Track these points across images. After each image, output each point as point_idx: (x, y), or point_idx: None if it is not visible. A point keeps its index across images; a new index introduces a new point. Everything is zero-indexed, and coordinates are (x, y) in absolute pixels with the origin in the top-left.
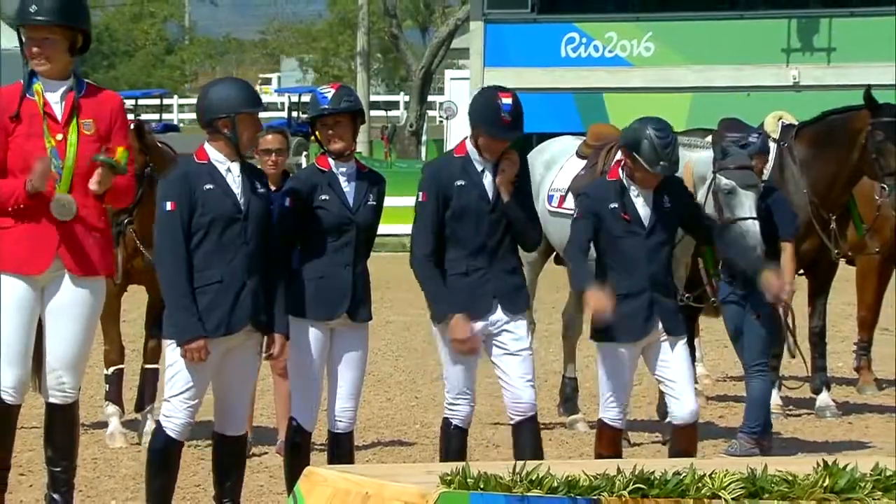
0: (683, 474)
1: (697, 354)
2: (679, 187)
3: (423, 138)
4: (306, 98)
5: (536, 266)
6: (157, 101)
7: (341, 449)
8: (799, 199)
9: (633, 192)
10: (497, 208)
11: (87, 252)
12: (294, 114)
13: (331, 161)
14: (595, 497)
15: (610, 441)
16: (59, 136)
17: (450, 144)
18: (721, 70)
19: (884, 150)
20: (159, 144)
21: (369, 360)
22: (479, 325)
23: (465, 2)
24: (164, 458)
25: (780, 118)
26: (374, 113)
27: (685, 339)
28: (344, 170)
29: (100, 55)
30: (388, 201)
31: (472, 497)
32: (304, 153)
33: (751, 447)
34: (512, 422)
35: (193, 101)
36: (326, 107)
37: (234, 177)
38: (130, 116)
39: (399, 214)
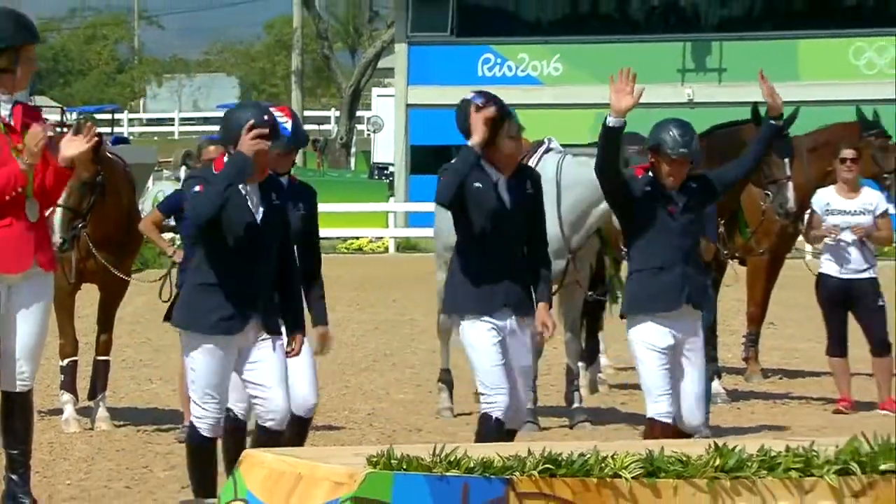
0: (588, 455)
1: (601, 347)
2: (704, 177)
3: (353, 150)
4: None
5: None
6: (109, 116)
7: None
8: None
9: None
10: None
11: (48, 250)
12: None
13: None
14: (508, 476)
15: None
16: (20, 146)
17: (376, 156)
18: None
19: (767, 160)
20: (110, 155)
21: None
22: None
23: (391, 25)
24: (201, 454)
25: None
26: (307, 127)
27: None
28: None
29: (56, 73)
30: (324, 207)
31: (396, 477)
32: None
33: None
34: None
35: (142, 115)
36: (289, 140)
37: (250, 194)
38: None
39: (331, 220)
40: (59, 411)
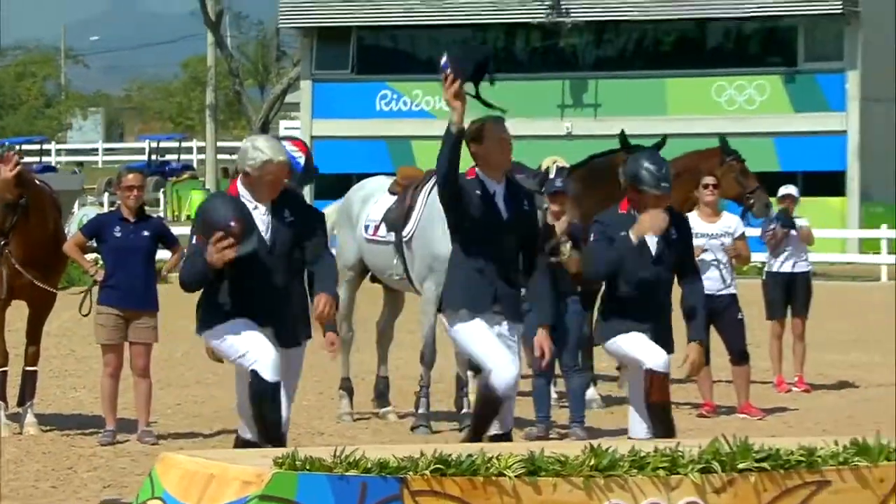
0: (475, 456)
1: None
2: (685, 225)
3: None
4: (165, 144)
5: (354, 284)
6: (38, 147)
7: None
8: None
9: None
10: None
11: None
12: (153, 156)
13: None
14: (402, 476)
15: (660, 387)
16: None
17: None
18: (508, 122)
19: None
20: (37, 182)
21: (216, 364)
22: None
23: (297, 64)
24: (260, 398)
25: (556, 161)
26: (220, 156)
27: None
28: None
29: None
30: None
31: (300, 477)
32: (162, 189)
33: (584, 435)
34: None
35: (69, 146)
36: (301, 175)
37: (260, 213)
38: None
39: None
40: None
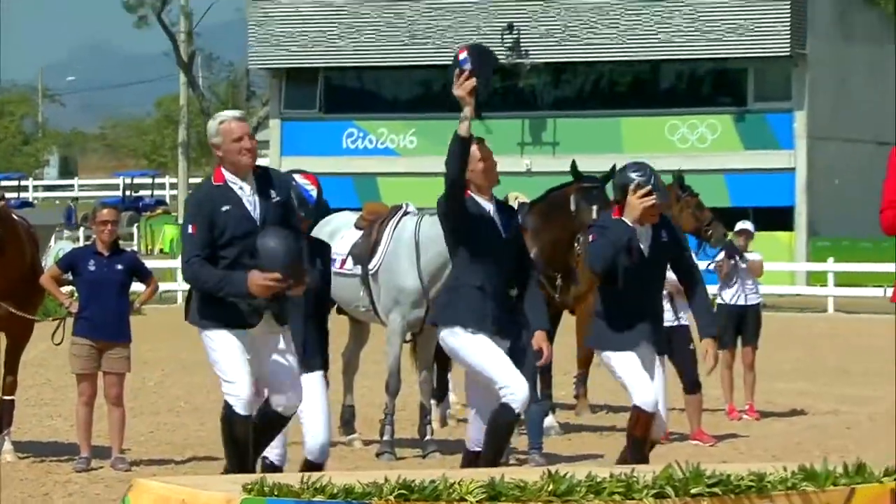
0: (438, 482)
1: (450, 385)
2: (673, 227)
3: None
4: (139, 180)
5: None
6: (16, 183)
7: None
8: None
9: (637, 229)
10: None
11: None
12: (127, 192)
13: None
14: (367, 501)
15: (644, 425)
16: None
17: None
18: None
19: (581, 207)
20: (15, 217)
21: (188, 390)
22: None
23: (266, 103)
24: (231, 430)
25: (517, 197)
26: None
27: (663, 358)
28: None
29: None
30: None
31: (269, 502)
32: (136, 224)
33: (541, 461)
34: None
35: (46, 182)
36: (313, 208)
37: (246, 194)
38: None
39: None
40: None
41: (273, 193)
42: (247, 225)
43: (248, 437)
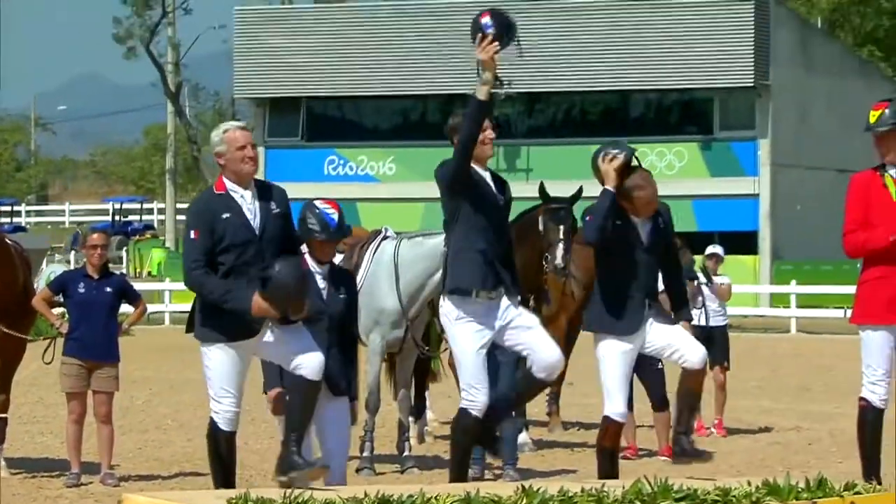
0: (415, 496)
1: (427, 403)
2: (668, 216)
3: None
4: (127, 205)
5: None
6: (8, 208)
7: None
8: None
9: (635, 220)
10: None
11: None
12: (116, 217)
13: (311, 263)
14: None
15: (614, 435)
16: None
17: None
18: None
19: (548, 226)
20: (7, 241)
21: (175, 408)
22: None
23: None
24: (216, 445)
25: None
26: (179, 217)
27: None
28: (321, 270)
29: None
30: None
31: None
32: (125, 248)
33: (515, 476)
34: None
35: (39, 207)
36: (333, 231)
37: (247, 202)
38: None
39: None
40: None
41: (273, 205)
42: (245, 233)
43: (233, 453)
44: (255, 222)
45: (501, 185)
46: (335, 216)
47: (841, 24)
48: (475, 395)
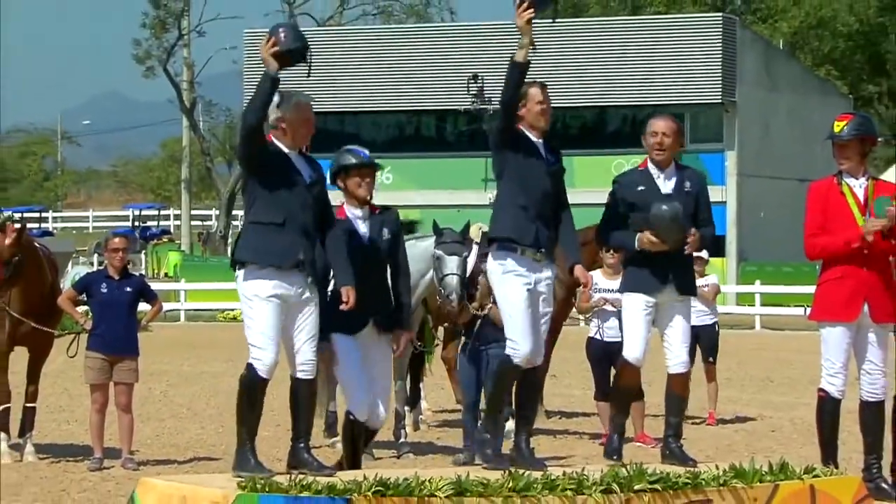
0: (411, 479)
1: (422, 393)
2: (698, 179)
3: (229, 240)
4: (146, 212)
5: None
6: (37, 215)
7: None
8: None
9: (657, 175)
10: None
11: None
12: (136, 223)
13: (349, 210)
14: (347, 497)
15: (630, 374)
16: None
17: None
18: (440, 193)
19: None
20: (36, 245)
21: (189, 399)
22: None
23: None
24: (252, 391)
25: (480, 227)
26: (194, 223)
27: (691, 302)
28: (360, 214)
29: None
30: (207, 285)
31: (261, 498)
32: (143, 251)
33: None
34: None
35: (65, 214)
36: (367, 159)
37: (295, 157)
38: (17, 225)
39: (212, 295)
40: None
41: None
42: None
43: (263, 401)
44: (305, 176)
45: (554, 154)
46: (367, 151)
47: (801, 47)
48: (518, 346)
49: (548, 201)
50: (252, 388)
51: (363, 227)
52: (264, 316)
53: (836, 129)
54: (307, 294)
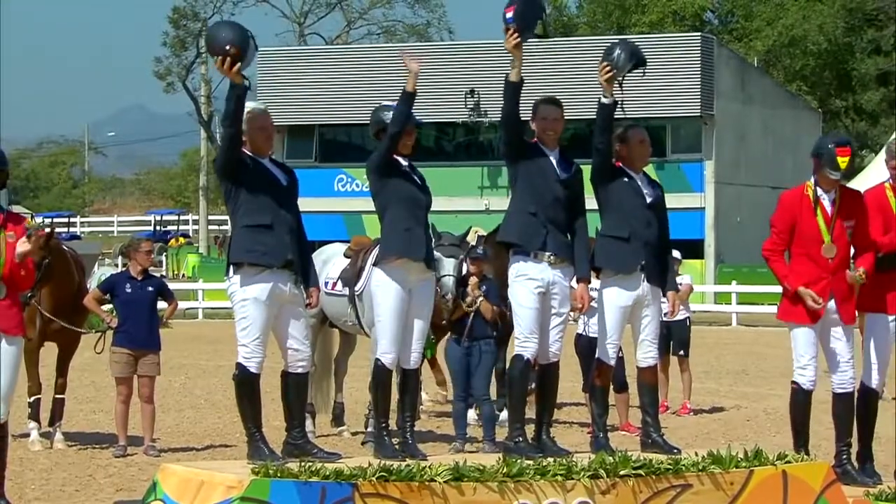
0: (412, 466)
1: (421, 386)
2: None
3: None
4: (167, 217)
5: (317, 329)
6: (66, 220)
7: (409, 382)
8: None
9: (631, 174)
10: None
11: (13, 318)
12: (157, 227)
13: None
14: (354, 482)
15: (605, 374)
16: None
17: None
18: (439, 200)
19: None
20: (64, 248)
21: (208, 391)
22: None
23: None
24: (250, 386)
25: (477, 231)
26: (211, 227)
27: (661, 300)
28: (405, 163)
29: (27, 189)
30: (223, 285)
31: (273, 483)
32: (164, 254)
33: (493, 449)
34: None
35: (91, 219)
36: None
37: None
38: (47, 230)
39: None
40: (27, 435)
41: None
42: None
43: (259, 393)
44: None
45: (568, 164)
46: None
47: (774, 64)
48: (527, 344)
49: (560, 208)
50: (247, 385)
51: (415, 176)
52: (258, 319)
53: (843, 166)
54: (296, 291)
